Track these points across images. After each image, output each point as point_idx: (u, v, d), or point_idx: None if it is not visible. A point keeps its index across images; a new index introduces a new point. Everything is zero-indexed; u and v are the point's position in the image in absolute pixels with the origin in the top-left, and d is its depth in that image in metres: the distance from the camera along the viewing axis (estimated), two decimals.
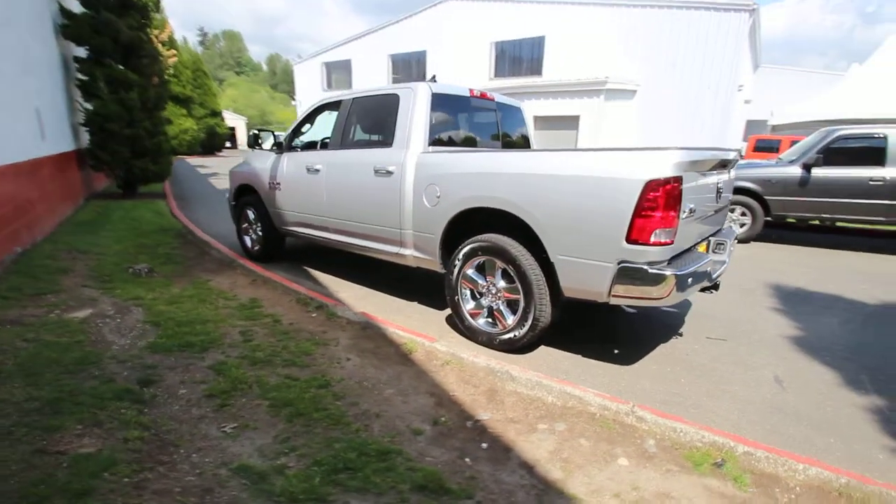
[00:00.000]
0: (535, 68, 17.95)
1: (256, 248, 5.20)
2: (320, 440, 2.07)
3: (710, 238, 3.26)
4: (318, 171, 4.20)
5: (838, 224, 6.79)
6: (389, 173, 3.55)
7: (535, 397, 2.51)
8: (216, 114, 29.11)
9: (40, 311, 3.36)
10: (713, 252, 3.19)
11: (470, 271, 3.21)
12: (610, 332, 3.60)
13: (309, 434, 2.12)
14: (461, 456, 2.06)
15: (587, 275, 2.63)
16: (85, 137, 8.15)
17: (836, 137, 6.04)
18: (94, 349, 2.80)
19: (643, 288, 2.47)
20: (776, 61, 23.55)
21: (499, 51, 19.03)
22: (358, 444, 2.04)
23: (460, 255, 3.20)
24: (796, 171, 6.14)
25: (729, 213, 5.91)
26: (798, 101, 13.87)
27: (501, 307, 3.10)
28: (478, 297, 3.25)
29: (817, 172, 6.01)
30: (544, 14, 17.22)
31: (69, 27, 7.36)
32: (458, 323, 3.35)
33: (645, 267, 2.44)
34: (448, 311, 3.81)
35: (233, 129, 39.06)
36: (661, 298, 2.48)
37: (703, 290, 3.00)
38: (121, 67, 8.15)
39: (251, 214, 5.16)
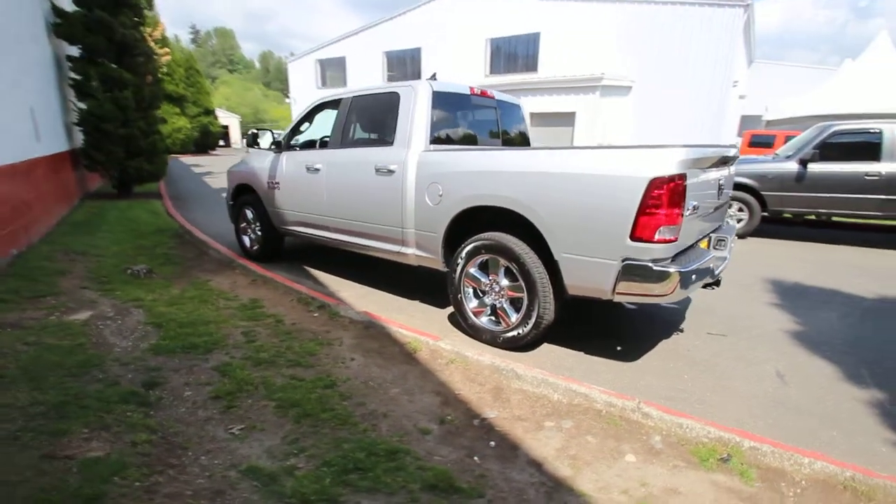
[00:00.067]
0: (531, 65, 17.96)
1: (255, 247, 5.18)
2: (329, 441, 2.07)
3: (711, 234, 3.28)
4: (317, 170, 4.18)
5: (834, 219, 6.86)
6: (391, 172, 3.55)
7: (541, 395, 2.52)
8: (209, 112, 28.89)
9: (40, 314, 3.33)
10: (714, 248, 3.21)
11: (473, 269, 3.21)
12: (611, 328, 3.62)
13: (317, 435, 2.12)
14: (470, 454, 2.07)
15: (591, 272, 2.64)
16: (79, 137, 8.07)
17: (832, 133, 6.08)
18: (96, 352, 2.79)
19: (647, 285, 2.48)
20: (769, 57, 23.65)
21: (494, 47, 19.01)
22: (367, 444, 2.04)
23: (463, 254, 3.20)
24: (793, 166, 6.19)
25: None
26: (791, 96, 13.97)
27: (505, 305, 3.11)
28: (481, 295, 3.26)
29: (813, 168, 6.05)
30: (539, 10, 17.21)
31: (61, 26, 7.28)
32: (461, 321, 3.35)
33: (649, 264, 2.45)
34: (450, 309, 3.81)
35: (226, 127, 38.82)
36: (665, 295, 2.49)
37: (704, 286, 3.02)
38: (115, 66, 8.07)
39: (250, 214, 5.13)
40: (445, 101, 3.70)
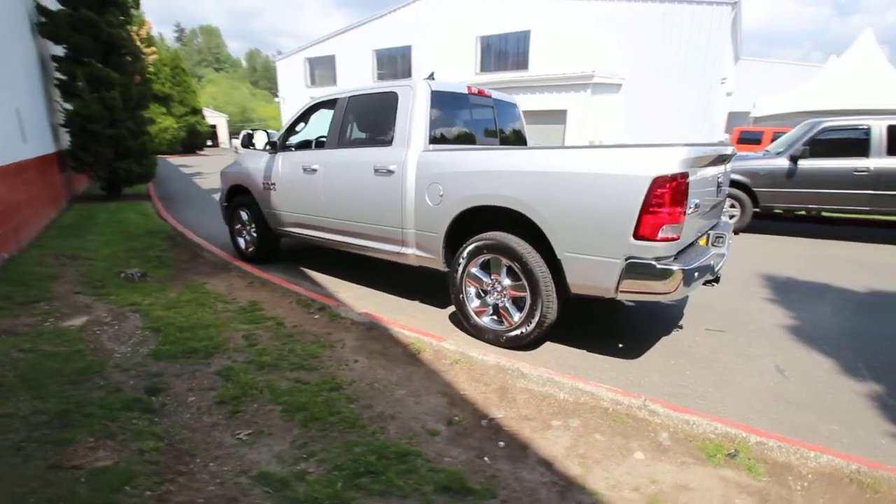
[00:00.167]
0: (521, 63, 17.99)
1: (251, 249, 5.13)
2: (338, 444, 2.06)
3: (710, 232, 3.32)
4: (314, 170, 4.15)
5: (823, 214, 6.97)
6: (390, 172, 3.53)
7: (547, 394, 2.53)
8: (196, 111, 28.54)
9: (34, 320, 3.27)
10: (713, 245, 3.25)
11: (474, 269, 3.21)
12: (611, 326, 3.65)
13: (326, 438, 2.10)
14: (479, 455, 2.07)
15: (595, 271, 2.65)
16: (65, 138, 7.92)
17: (822, 129, 6.18)
18: (95, 358, 2.74)
19: (651, 283, 2.50)
20: (755, 54, 23.95)
21: (484, 45, 19.01)
22: (377, 447, 2.03)
23: (464, 254, 3.20)
24: (783, 162, 6.28)
25: None
26: (776, 93, 14.17)
27: (507, 304, 3.12)
28: (482, 295, 3.26)
29: (804, 164, 6.15)
30: (529, 7, 17.24)
31: (46, 25, 7.13)
32: (462, 321, 3.35)
33: (653, 262, 2.47)
34: (450, 309, 3.82)
35: (214, 126, 38.36)
36: (668, 293, 2.52)
37: (705, 283, 3.05)
38: (101, 66, 7.92)
39: (244, 215, 5.08)
40: (444, 101, 3.69)
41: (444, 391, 2.59)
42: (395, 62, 22.20)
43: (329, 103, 4.28)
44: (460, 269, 3.24)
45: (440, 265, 3.48)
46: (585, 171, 2.60)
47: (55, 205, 7.08)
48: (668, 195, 2.39)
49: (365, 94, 3.99)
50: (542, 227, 2.77)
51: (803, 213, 6.65)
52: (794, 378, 2.82)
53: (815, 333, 3.44)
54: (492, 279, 3.17)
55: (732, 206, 6.69)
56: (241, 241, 5.22)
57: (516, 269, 2.96)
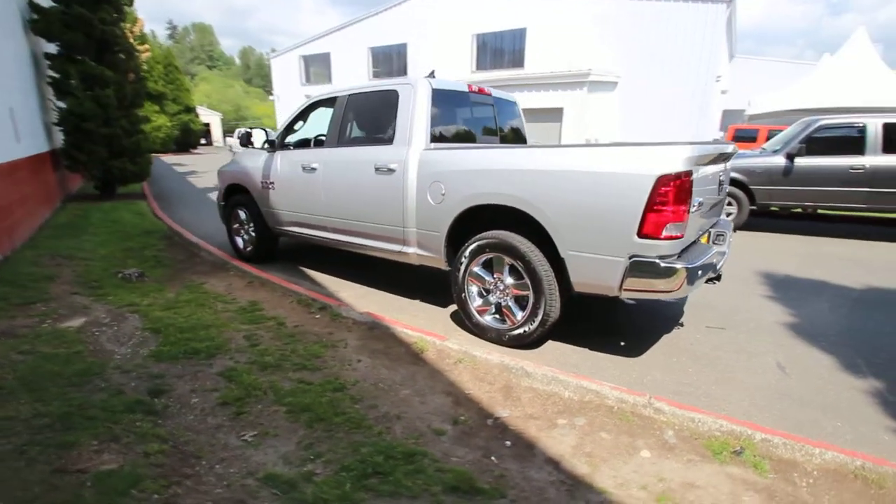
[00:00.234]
0: (517, 60, 17.96)
1: (249, 248, 5.10)
2: (345, 445, 2.05)
3: (711, 230, 3.33)
4: (314, 169, 4.13)
5: (819, 211, 7.02)
6: (391, 171, 3.51)
7: (552, 392, 2.53)
8: (190, 110, 28.39)
9: (31, 321, 3.23)
10: (714, 243, 3.26)
11: (477, 268, 3.20)
12: (612, 324, 3.66)
13: (332, 439, 2.09)
14: (486, 454, 2.06)
15: (599, 270, 2.65)
16: (59, 137, 7.83)
17: (818, 127, 6.22)
18: (95, 359, 2.71)
19: (655, 281, 2.51)
20: (748, 51, 24.07)
21: (480, 43, 18.96)
22: (384, 448, 2.02)
23: (467, 253, 3.19)
24: (780, 160, 6.31)
25: None
26: (771, 91, 14.24)
27: (510, 303, 3.11)
28: (485, 293, 3.25)
29: (800, 162, 6.19)
30: (525, 5, 17.21)
31: (38, 22, 7.04)
32: (465, 320, 3.35)
33: (656, 261, 2.47)
34: (451, 308, 3.81)
35: (207, 125, 38.17)
36: (672, 291, 2.52)
37: (707, 281, 3.05)
38: (95, 64, 7.83)
39: (242, 214, 5.04)
40: (444, 99, 3.67)
41: (448, 390, 2.59)
42: (390, 60, 22.11)
43: (328, 101, 4.26)
44: (462, 267, 3.23)
45: (442, 264, 3.47)
46: (589, 170, 2.60)
47: (49, 204, 7.01)
48: (671, 193, 2.39)
49: (365, 92, 3.97)
50: (545, 225, 2.77)
51: (799, 210, 6.69)
52: (795, 375, 2.84)
53: (814, 330, 3.47)
54: (494, 278, 3.16)
55: (729, 203, 6.72)
56: (239, 241, 5.19)
57: (519, 268, 2.96)
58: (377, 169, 3.60)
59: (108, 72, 7.93)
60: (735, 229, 6.81)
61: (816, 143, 6.16)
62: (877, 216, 7.08)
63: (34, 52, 7.22)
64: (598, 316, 3.77)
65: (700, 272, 2.58)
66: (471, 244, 3.16)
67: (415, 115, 3.45)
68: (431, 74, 3.77)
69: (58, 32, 7.23)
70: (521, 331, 3.02)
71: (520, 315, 3.05)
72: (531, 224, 2.86)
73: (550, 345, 3.20)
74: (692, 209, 2.54)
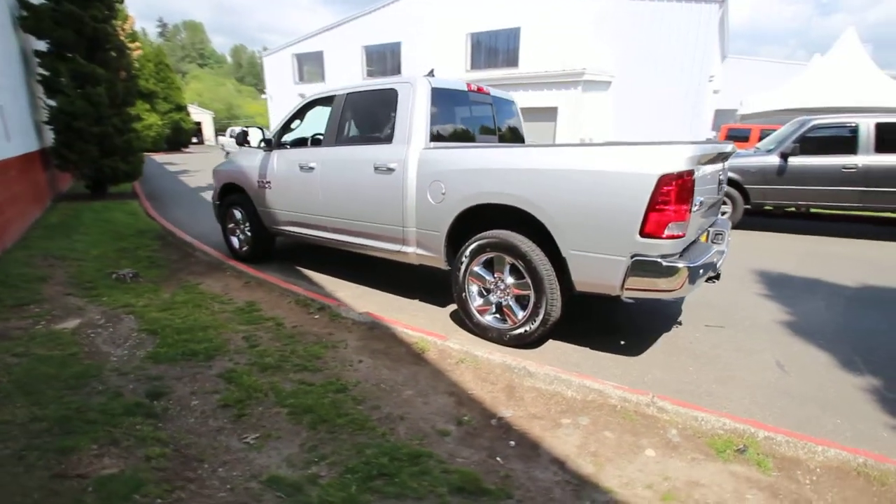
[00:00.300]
0: (512, 60, 17.98)
1: (245, 248, 5.06)
2: (348, 447, 2.03)
3: (709, 229, 3.35)
4: (311, 168, 4.09)
5: (812, 210, 7.09)
6: (390, 170, 3.49)
7: (555, 392, 2.53)
8: (181, 108, 28.16)
9: (25, 323, 3.18)
10: (713, 242, 3.27)
11: (477, 268, 3.19)
12: (611, 323, 3.66)
13: (335, 441, 2.07)
14: (491, 455, 2.06)
15: (600, 269, 2.65)
16: (49, 136, 7.72)
17: (812, 127, 6.28)
18: (92, 362, 2.67)
19: (657, 280, 2.51)
20: (740, 51, 24.25)
21: (474, 42, 18.95)
22: (388, 449, 2.01)
23: (467, 252, 3.18)
24: (774, 160, 6.36)
25: None
26: (762, 90, 14.35)
27: (510, 303, 3.11)
28: (485, 293, 3.25)
29: (794, 161, 6.24)
30: (519, 4, 17.22)
31: (28, 19, 6.92)
32: (465, 320, 3.34)
33: (659, 260, 2.48)
34: (451, 307, 3.80)
35: (199, 123, 37.84)
36: (674, 290, 2.52)
37: (707, 279, 3.07)
38: (86, 62, 7.72)
39: (238, 214, 5.00)
40: (444, 98, 3.66)
41: (451, 391, 2.58)
42: (384, 59, 22.04)
43: (325, 100, 4.22)
44: (463, 267, 3.22)
45: (442, 264, 3.46)
46: (591, 169, 2.60)
47: (39, 204, 6.90)
48: (674, 193, 2.40)
49: (363, 90, 3.95)
50: (547, 225, 2.76)
51: (793, 209, 6.75)
52: (794, 373, 2.86)
53: (810, 328, 3.50)
54: (495, 277, 3.15)
55: (724, 202, 6.77)
56: (235, 241, 5.14)
57: (520, 267, 2.95)
58: (376, 168, 3.58)
59: (99, 70, 7.82)
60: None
61: (810, 143, 6.22)
62: (869, 215, 7.17)
63: (24, 49, 7.10)
64: (597, 315, 3.77)
65: (701, 271, 2.59)
66: (471, 244, 3.15)
67: (414, 114, 3.43)
68: (431, 73, 3.75)
69: (48, 30, 7.11)
70: (522, 330, 3.02)
71: (521, 314, 3.04)
72: (532, 223, 2.85)
73: (551, 344, 3.20)
74: (694, 208, 2.55)
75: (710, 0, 13.83)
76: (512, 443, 2.15)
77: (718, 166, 3.19)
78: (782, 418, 2.37)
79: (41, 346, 2.84)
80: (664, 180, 2.38)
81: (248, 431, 2.13)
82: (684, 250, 2.69)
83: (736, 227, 6.96)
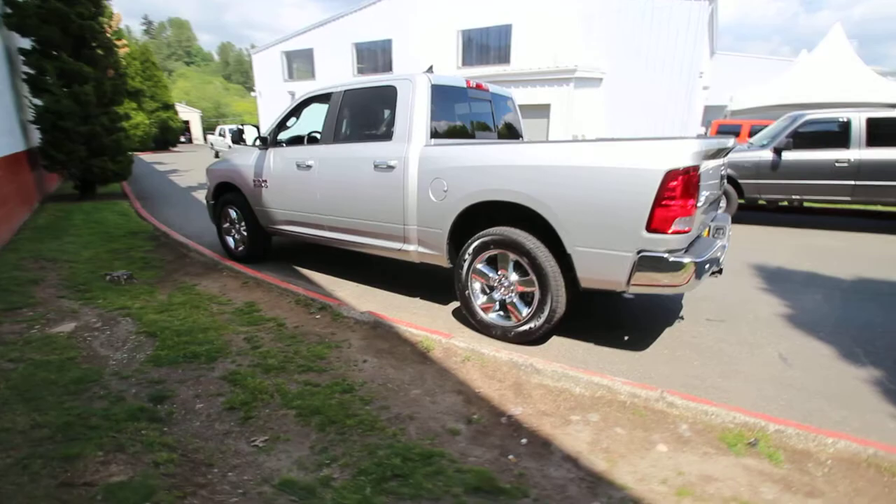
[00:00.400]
0: (503, 56, 17.96)
1: (241, 248, 4.99)
2: (360, 448, 2.00)
3: (710, 224, 3.36)
4: (309, 166, 4.04)
5: (805, 204, 7.17)
6: (391, 168, 3.46)
7: (563, 389, 2.52)
8: (168, 107, 27.81)
9: (19, 328, 3.11)
10: (715, 237, 3.28)
11: (480, 265, 3.18)
12: (613, 318, 3.67)
13: (346, 442, 2.05)
14: (503, 453, 2.04)
15: (606, 265, 2.65)
16: (36, 136, 7.55)
17: (804, 122, 6.34)
18: (91, 366, 2.61)
19: (663, 276, 2.51)
20: (727, 48, 24.46)
21: (466, 39, 18.90)
22: (400, 450, 1.98)
23: (470, 250, 3.16)
24: (768, 154, 6.42)
25: None
26: (749, 86, 14.49)
27: (515, 300, 3.10)
28: (489, 291, 3.23)
29: (787, 156, 6.30)
30: (511, 1, 17.19)
31: (12, 17, 6.76)
32: (469, 318, 3.32)
33: (665, 255, 2.48)
34: (452, 305, 3.78)
35: (187, 122, 37.36)
36: (681, 286, 2.53)
37: (710, 274, 3.08)
38: (72, 60, 7.56)
39: (233, 213, 4.93)
40: (444, 95, 3.63)
41: (458, 389, 2.56)
42: (375, 56, 21.90)
43: (322, 98, 4.17)
44: (466, 265, 3.20)
45: (444, 261, 3.43)
46: (597, 165, 2.59)
47: (27, 205, 6.76)
48: (680, 188, 2.40)
49: (361, 88, 3.90)
50: (552, 222, 2.75)
51: (785, 203, 6.82)
52: (797, 366, 2.88)
53: (810, 321, 3.53)
54: (498, 274, 3.14)
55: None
56: (230, 241, 5.07)
57: (524, 264, 2.94)
58: (376, 166, 3.54)
59: (86, 68, 7.67)
60: None
61: (803, 138, 6.29)
62: (861, 208, 7.27)
63: (8, 47, 6.93)
64: (597, 310, 3.78)
65: (707, 266, 2.59)
66: (474, 241, 3.13)
67: (414, 111, 3.40)
68: (430, 69, 3.72)
69: (33, 27, 6.95)
70: (527, 327, 3.01)
71: (525, 311, 3.03)
72: (535, 220, 2.84)
73: (555, 340, 3.20)
74: (699, 203, 2.55)
75: None
76: (523, 441, 2.13)
77: (720, 161, 3.20)
78: (789, 411, 2.39)
79: (37, 350, 2.77)
80: (670, 175, 2.38)
81: (256, 434, 2.09)
82: (689, 245, 2.69)
83: (730, 221, 7.01)
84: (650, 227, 2.47)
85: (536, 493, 1.80)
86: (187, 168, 15.94)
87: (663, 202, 2.42)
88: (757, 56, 22.85)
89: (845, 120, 6.09)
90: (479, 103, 4.12)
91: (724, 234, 3.32)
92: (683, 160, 2.39)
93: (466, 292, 3.26)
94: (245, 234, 4.88)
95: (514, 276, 3.06)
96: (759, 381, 2.69)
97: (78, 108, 7.53)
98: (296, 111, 4.43)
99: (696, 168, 2.43)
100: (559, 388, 2.54)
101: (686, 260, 2.48)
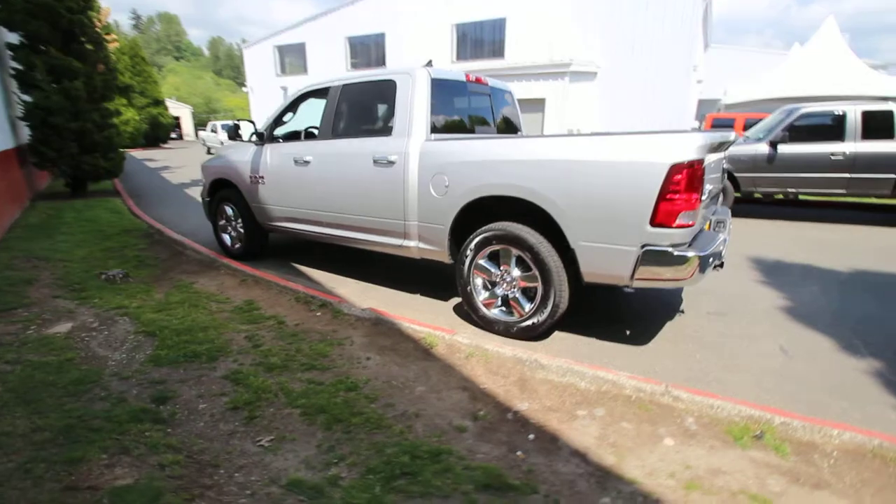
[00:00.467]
0: (497, 51, 17.88)
1: (237, 246, 4.94)
2: (367, 446, 1.99)
3: (711, 217, 3.36)
4: (307, 162, 4.00)
5: (801, 198, 7.22)
6: (391, 163, 3.43)
7: (568, 384, 2.52)
8: (159, 102, 27.46)
9: (15, 328, 3.06)
10: (716, 230, 3.29)
11: (482, 261, 3.16)
12: (614, 313, 3.67)
13: (353, 441, 2.03)
14: (511, 449, 2.04)
15: (610, 260, 2.64)
16: (25, 132, 7.42)
17: (800, 115, 6.37)
18: (90, 367, 2.58)
19: (667, 270, 2.51)
20: (720, 41, 24.51)
21: (460, 33, 18.79)
22: (408, 447, 1.97)
23: (472, 245, 3.14)
24: (764, 148, 6.45)
25: None
26: (743, 80, 14.54)
27: (517, 295, 3.09)
28: (491, 286, 3.22)
29: (783, 149, 6.33)
30: None
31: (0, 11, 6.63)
32: (471, 314, 3.30)
33: (669, 249, 2.47)
34: (454, 301, 3.77)
35: (177, 118, 36.91)
36: (685, 280, 2.53)
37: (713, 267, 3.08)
38: (62, 55, 7.42)
39: (230, 210, 4.87)
40: (443, 89, 3.59)
41: (463, 385, 2.55)
42: (368, 50, 21.72)
43: (320, 92, 4.12)
44: (467, 260, 3.18)
45: (445, 257, 3.41)
46: (600, 159, 2.58)
47: (18, 203, 6.65)
48: (684, 182, 2.39)
49: (360, 82, 3.85)
50: (555, 216, 2.74)
51: (781, 196, 6.86)
52: (798, 358, 2.90)
53: (809, 313, 3.55)
54: (501, 270, 3.12)
55: None
56: (227, 238, 5.01)
57: (527, 259, 2.93)
58: (376, 161, 3.51)
59: (76, 63, 7.53)
60: None
61: (798, 131, 6.31)
62: (856, 201, 7.33)
63: None
64: (598, 305, 3.78)
65: (711, 259, 2.59)
66: (476, 236, 3.11)
67: (414, 106, 3.36)
68: (429, 63, 3.68)
69: (21, 22, 6.81)
70: (530, 322, 3.00)
71: (528, 307, 3.02)
72: (537, 214, 2.83)
73: (558, 335, 3.19)
74: (703, 197, 2.54)
75: None
76: (531, 436, 2.13)
77: (721, 155, 3.20)
78: (792, 403, 2.40)
79: (34, 351, 2.73)
80: (675, 169, 2.37)
81: (262, 434, 2.07)
82: (693, 239, 2.69)
83: None
84: (654, 222, 2.46)
85: (546, 488, 1.80)
86: (179, 165, 15.77)
87: (668, 196, 2.41)
88: (750, 49, 22.92)
89: (841, 113, 6.12)
90: (479, 97, 4.09)
91: (725, 228, 3.32)
92: (688, 154, 2.38)
93: (468, 288, 3.24)
94: (242, 231, 4.83)
95: (516, 272, 3.05)
96: (761, 374, 2.70)
97: (68, 104, 7.41)
98: (292, 106, 4.38)
99: (700, 162, 2.43)
100: (564, 383, 2.54)
101: (690, 254, 2.47)
